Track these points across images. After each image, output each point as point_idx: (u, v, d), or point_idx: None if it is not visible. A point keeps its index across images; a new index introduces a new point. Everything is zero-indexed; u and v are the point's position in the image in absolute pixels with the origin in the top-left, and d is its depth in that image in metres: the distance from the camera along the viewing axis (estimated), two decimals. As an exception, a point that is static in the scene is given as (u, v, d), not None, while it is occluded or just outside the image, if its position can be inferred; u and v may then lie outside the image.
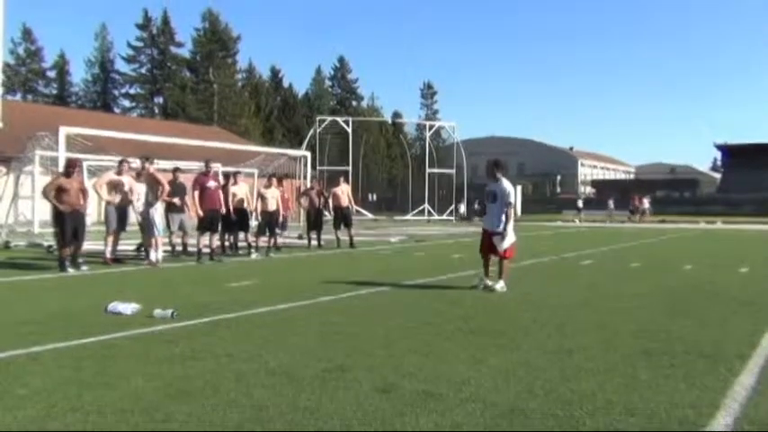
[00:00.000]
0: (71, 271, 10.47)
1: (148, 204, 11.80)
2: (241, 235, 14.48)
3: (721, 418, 3.64)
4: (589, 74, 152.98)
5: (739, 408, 3.82)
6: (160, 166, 19.79)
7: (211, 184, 12.82)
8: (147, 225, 11.79)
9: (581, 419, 3.60)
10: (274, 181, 14.81)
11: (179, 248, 13.50)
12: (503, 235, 8.64)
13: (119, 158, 13.33)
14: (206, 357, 4.88)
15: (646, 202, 41.12)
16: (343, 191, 16.69)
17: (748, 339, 5.67)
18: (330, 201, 16.79)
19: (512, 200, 8.63)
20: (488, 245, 8.86)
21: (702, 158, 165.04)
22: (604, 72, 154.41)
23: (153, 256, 11.65)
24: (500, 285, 8.54)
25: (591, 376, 4.45)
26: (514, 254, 9.03)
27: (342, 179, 17.64)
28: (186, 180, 13.81)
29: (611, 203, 41.83)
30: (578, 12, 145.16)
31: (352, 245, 16.23)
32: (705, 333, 5.99)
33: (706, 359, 4.96)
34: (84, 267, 10.83)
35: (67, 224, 10.52)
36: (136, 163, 13.04)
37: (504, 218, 8.66)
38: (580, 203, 43.91)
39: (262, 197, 14.26)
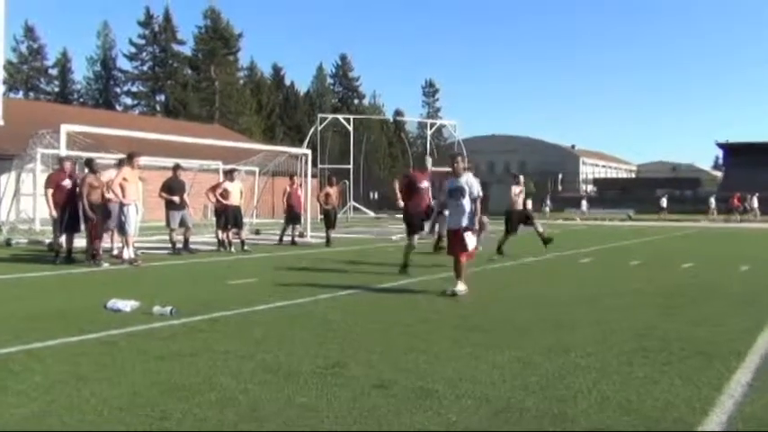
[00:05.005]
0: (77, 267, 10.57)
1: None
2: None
3: (716, 416, 3.64)
4: (590, 72, 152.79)
5: (734, 405, 3.83)
6: (161, 163, 19.94)
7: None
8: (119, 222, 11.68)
9: (576, 417, 3.60)
10: (236, 175, 15.03)
11: (179, 245, 13.53)
12: (472, 231, 8.16)
13: (118, 156, 13.35)
14: (204, 354, 4.90)
15: (755, 201, 39.55)
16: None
17: (746, 337, 5.67)
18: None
19: (481, 193, 8.12)
20: (458, 244, 8.19)
21: (705, 157, 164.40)
22: (606, 70, 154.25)
23: (126, 253, 11.40)
24: (460, 288, 8.02)
25: (587, 373, 4.46)
26: (474, 255, 8.64)
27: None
28: (186, 178, 13.85)
29: (712, 202, 41.68)
30: (579, 11, 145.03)
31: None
32: (702, 330, 5.99)
33: (702, 356, 4.97)
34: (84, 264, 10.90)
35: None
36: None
37: (471, 213, 8.15)
38: (664, 202, 42.51)
39: (225, 191, 14.30)
